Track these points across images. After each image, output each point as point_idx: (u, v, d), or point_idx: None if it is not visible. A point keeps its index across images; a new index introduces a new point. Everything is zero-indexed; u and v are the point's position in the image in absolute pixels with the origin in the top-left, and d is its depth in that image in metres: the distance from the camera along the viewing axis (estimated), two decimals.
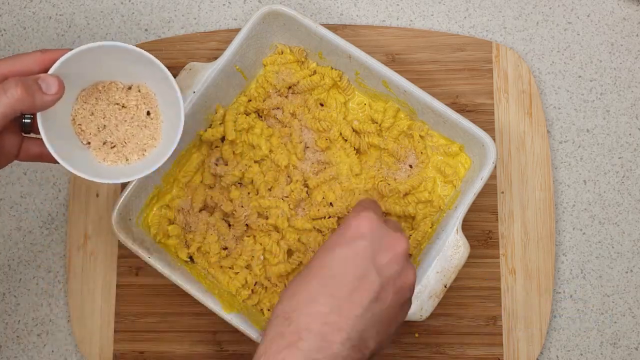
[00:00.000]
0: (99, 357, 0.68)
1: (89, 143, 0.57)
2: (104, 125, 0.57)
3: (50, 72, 0.52)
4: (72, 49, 0.53)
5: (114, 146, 0.58)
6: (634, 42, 0.74)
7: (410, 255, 0.57)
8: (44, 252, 0.71)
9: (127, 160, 0.58)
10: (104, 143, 0.57)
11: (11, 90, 0.49)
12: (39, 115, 0.52)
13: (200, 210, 0.67)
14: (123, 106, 0.58)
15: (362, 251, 0.50)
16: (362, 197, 0.64)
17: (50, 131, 0.53)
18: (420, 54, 0.72)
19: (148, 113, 0.58)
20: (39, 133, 0.54)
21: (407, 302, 0.53)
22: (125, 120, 0.58)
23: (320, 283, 0.49)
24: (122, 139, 0.58)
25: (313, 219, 0.66)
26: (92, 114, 0.57)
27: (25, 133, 0.56)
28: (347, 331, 0.47)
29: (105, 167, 0.57)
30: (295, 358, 0.46)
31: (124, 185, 0.68)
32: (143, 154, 0.58)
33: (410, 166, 0.66)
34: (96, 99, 0.57)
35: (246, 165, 0.66)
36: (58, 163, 0.53)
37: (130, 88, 0.58)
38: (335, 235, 0.52)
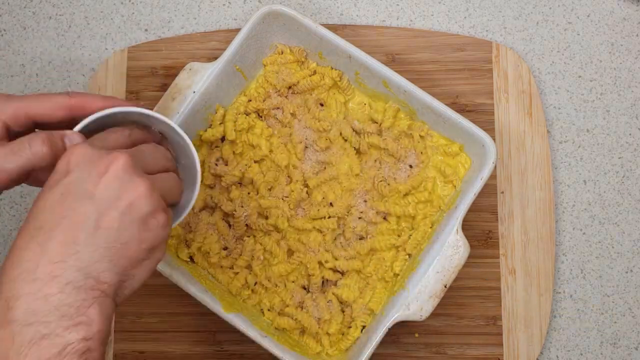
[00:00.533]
0: None
1: None
2: None
3: (76, 129, 0.50)
4: (101, 98, 0.51)
5: None
6: (634, 42, 0.74)
7: (178, 178, 0.52)
8: None
9: None
10: None
11: (37, 147, 0.47)
12: None
13: (200, 210, 0.67)
14: None
15: (68, 188, 0.44)
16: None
17: None
18: (420, 54, 0.72)
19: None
20: (34, 183, 0.52)
21: (150, 219, 0.46)
22: None
23: (28, 238, 0.43)
24: None
25: (313, 219, 0.66)
26: None
27: None
28: (64, 276, 0.42)
29: None
30: (10, 334, 0.40)
31: None
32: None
33: (410, 166, 0.66)
34: None
35: (246, 165, 0.66)
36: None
37: None
38: (46, 183, 0.46)
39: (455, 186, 0.66)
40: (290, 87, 0.68)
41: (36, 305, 0.41)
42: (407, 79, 0.63)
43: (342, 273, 0.65)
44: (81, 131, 0.50)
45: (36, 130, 0.51)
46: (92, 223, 0.44)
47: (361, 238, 0.66)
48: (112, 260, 0.44)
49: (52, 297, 0.41)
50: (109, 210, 0.44)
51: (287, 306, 0.65)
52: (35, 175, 0.51)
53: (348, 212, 0.66)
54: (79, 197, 0.44)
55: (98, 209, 0.44)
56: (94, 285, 0.43)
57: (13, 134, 0.49)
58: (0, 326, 0.41)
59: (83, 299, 0.42)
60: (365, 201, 0.66)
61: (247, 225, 0.66)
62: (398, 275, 0.65)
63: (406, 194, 0.66)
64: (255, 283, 0.65)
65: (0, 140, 0.49)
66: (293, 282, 0.65)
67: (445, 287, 0.61)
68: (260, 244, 0.65)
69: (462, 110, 0.71)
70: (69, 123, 0.51)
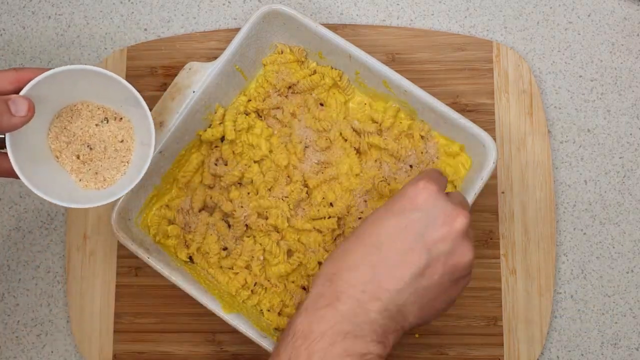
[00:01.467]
0: (99, 357, 0.68)
1: (66, 166, 0.57)
2: (79, 148, 0.57)
3: (22, 93, 0.51)
4: (46, 69, 0.53)
5: (89, 169, 0.57)
6: (634, 41, 0.74)
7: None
8: (43, 252, 0.71)
9: (103, 181, 0.58)
10: (78, 166, 0.57)
11: None
12: (7, 136, 0.52)
13: (199, 211, 0.66)
14: (96, 125, 0.58)
15: (412, 224, 0.49)
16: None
17: (20, 152, 0.53)
18: (421, 53, 0.72)
19: (121, 137, 0.58)
20: None
21: (462, 280, 0.51)
22: (99, 143, 0.58)
23: (364, 251, 0.49)
24: (96, 162, 0.58)
25: (313, 219, 0.65)
26: (66, 137, 0.57)
27: None
28: (385, 302, 0.47)
29: (82, 192, 0.57)
30: (333, 317, 0.47)
31: None
32: (118, 176, 0.58)
33: (411, 166, 0.66)
34: (69, 121, 0.57)
35: (246, 165, 0.66)
36: (15, 177, 0.53)
37: (103, 110, 0.58)
38: (390, 202, 0.51)
39: (455, 186, 0.65)
40: (290, 87, 0.68)
41: (359, 311, 0.47)
42: (407, 78, 0.63)
43: None
44: (29, 95, 0.52)
45: None
46: (420, 270, 0.48)
47: None
48: (420, 308, 0.49)
49: (371, 313, 0.48)
50: (437, 263, 0.49)
51: (287, 306, 0.64)
52: None
53: (348, 212, 0.66)
54: (419, 239, 0.49)
55: (429, 259, 0.49)
56: (400, 320, 0.49)
57: None
58: (328, 307, 0.48)
59: (389, 327, 0.48)
60: (365, 201, 0.66)
61: (246, 225, 0.66)
62: None
63: None
64: (255, 283, 0.65)
65: None
66: (293, 282, 0.65)
67: None
68: (260, 244, 0.65)
69: (462, 110, 0.70)
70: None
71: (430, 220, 0.49)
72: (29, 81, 0.52)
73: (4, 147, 0.55)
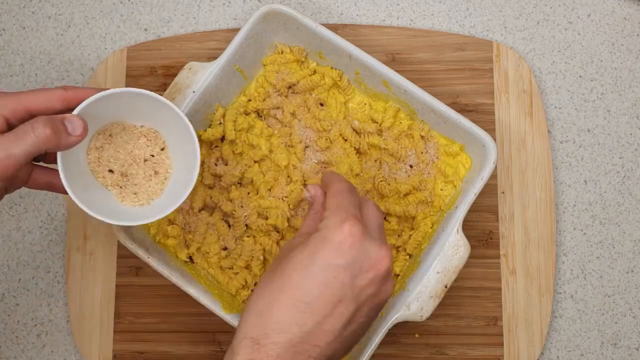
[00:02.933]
0: (99, 357, 0.68)
1: (107, 183, 0.58)
2: (120, 166, 0.58)
3: (75, 112, 0.52)
4: (96, 90, 0.53)
5: (128, 187, 0.58)
6: (634, 41, 0.74)
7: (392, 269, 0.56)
8: (43, 252, 0.71)
9: (141, 199, 0.58)
10: (119, 184, 0.58)
11: (39, 130, 0.49)
12: (59, 155, 0.53)
13: (200, 210, 0.66)
14: (135, 147, 0.58)
15: (340, 275, 0.47)
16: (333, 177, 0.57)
17: (68, 170, 0.53)
18: (421, 53, 0.72)
19: (158, 154, 0.59)
20: (48, 162, 0.55)
21: (381, 308, 0.52)
22: (138, 162, 0.58)
23: (293, 308, 0.47)
24: (134, 180, 0.58)
25: None
26: (106, 154, 0.57)
27: (35, 161, 0.57)
28: (315, 357, 0.47)
29: (122, 208, 0.58)
30: None
31: None
32: (159, 194, 0.59)
33: (411, 166, 0.66)
34: (109, 140, 0.57)
35: (246, 165, 0.66)
36: (67, 194, 0.53)
37: (144, 130, 0.59)
38: (312, 246, 0.48)
39: (455, 186, 0.65)
40: (290, 87, 0.68)
41: None
42: (407, 78, 0.63)
43: None
44: (80, 114, 0.52)
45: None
46: (349, 318, 0.48)
47: None
48: (346, 347, 0.50)
49: None
50: (364, 306, 0.49)
51: None
52: (36, 175, 0.56)
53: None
54: (347, 288, 0.48)
55: (357, 306, 0.48)
56: None
57: (12, 128, 0.51)
58: (257, 351, 0.47)
59: None
60: None
61: (246, 225, 0.66)
62: (398, 275, 0.65)
63: (406, 194, 0.65)
64: (255, 283, 0.65)
65: (1, 132, 0.51)
66: None
67: (446, 287, 0.60)
68: (260, 244, 0.65)
69: (462, 110, 0.70)
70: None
71: (357, 267, 0.48)
72: (76, 100, 0.53)
73: (39, 160, 0.56)
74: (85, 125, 0.52)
